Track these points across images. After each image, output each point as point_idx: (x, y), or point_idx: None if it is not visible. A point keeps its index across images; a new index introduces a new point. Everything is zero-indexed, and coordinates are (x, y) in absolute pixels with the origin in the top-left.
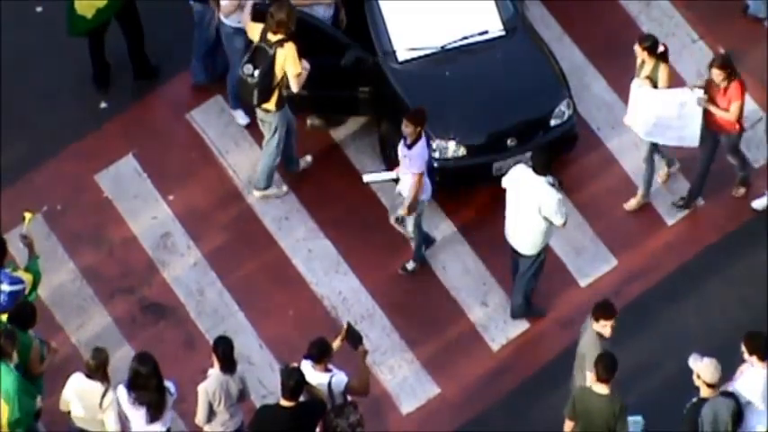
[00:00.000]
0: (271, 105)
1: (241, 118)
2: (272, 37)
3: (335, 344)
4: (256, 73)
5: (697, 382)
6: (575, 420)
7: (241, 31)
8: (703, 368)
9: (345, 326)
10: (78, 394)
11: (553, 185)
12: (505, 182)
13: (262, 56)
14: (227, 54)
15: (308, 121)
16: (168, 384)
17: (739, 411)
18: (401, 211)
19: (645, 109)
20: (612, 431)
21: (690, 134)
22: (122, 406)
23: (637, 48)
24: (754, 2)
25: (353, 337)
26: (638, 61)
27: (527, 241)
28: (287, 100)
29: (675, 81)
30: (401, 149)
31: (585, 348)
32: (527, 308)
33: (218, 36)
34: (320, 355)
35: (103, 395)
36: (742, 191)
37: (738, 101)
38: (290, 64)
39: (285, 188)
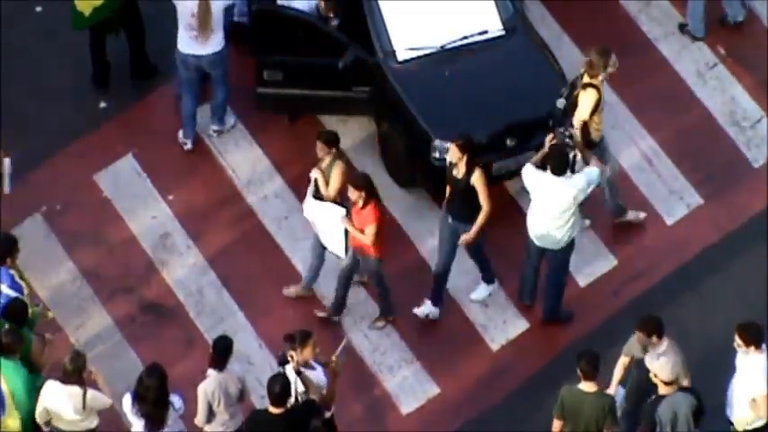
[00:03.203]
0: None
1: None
2: (585, 78)
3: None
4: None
5: (654, 380)
6: (563, 420)
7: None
8: (658, 367)
9: (345, 339)
10: (66, 400)
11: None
12: (528, 184)
13: (571, 94)
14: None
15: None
16: (174, 399)
17: (700, 407)
18: None
19: (310, 208)
20: (601, 428)
21: (336, 247)
22: (126, 413)
23: (318, 143)
24: (692, 20)
25: (341, 353)
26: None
27: (563, 235)
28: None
29: (675, 81)
30: None
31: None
32: (560, 310)
33: None
34: (299, 344)
35: (84, 396)
36: (380, 324)
37: (373, 224)
38: (581, 109)
39: (642, 215)
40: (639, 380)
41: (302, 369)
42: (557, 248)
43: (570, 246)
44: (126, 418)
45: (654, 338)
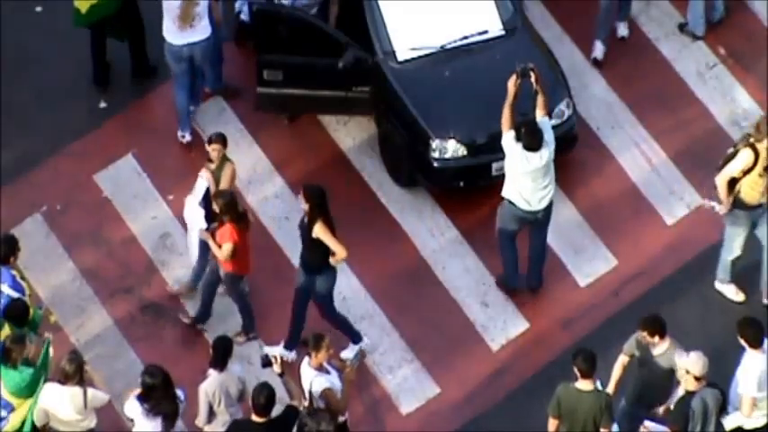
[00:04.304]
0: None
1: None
2: (751, 138)
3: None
4: None
5: (684, 377)
6: (559, 419)
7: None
8: (691, 362)
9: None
10: (66, 401)
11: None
12: (507, 153)
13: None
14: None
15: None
16: (178, 392)
17: (724, 401)
18: None
19: (188, 209)
20: (598, 426)
21: (192, 250)
22: (134, 419)
23: (215, 146)
24: (692, 17)
25: (357, 358)
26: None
27: (552, 191)
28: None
29: (675, 81)
30: None
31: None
32: None
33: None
34: (313, 347)
35: (84, 395)
36: (240, 339)
37: (228, 243)
38: (731, 164)
39: (740, 298)
40: (643, 379)
41: (318, 373)
42: (545, 207)
43: (552, 203)
44: (132, 421)
45: (656, 338)
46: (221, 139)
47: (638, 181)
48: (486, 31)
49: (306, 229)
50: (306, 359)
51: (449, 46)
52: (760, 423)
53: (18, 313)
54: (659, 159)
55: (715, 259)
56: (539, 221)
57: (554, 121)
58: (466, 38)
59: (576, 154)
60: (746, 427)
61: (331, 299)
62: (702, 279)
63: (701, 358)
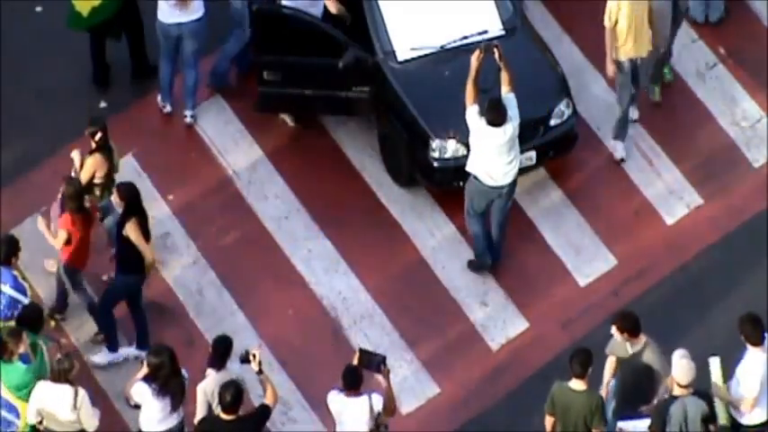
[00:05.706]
0: None
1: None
2: None
3: None
4: None
5: (669, 378)
6: (554, 416)
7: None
8: (677, 368)
9: (358, 353)
10: (63, 401)
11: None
12: (471, 128)
13: None
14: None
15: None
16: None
17: (712, 413)
18: None
19: None
20: (590, 426)
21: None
22: (145, 401)
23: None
24: (693, 4)
25: (370, 361)
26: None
27: (517, 165)
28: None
29: (675, 81)
30: None
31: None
32: None
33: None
34: (354, 384)
35: (75, 395)
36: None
37: (63, 229)
38: None
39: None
40: (624, 378)
41: (361, 395)
42: (510, 182)
43: (516, 181)
44: (138, 406)
45: (625, 335)
46: (94, 124)
47: (638, 181)
48: (486, 31)
49: (119, 226)
50: (340, 394)
51: (449, 46)
52: (760, 419)
53: (34, 316)
54: (659, 159)
55: (715, 259)
56: (502, 198)
57: (554, 121)
58: (466, 38)
59: (575, 154)
60: (745, 423)
61: (113, 299)
62: (702, 279)
63: (687, 366)
